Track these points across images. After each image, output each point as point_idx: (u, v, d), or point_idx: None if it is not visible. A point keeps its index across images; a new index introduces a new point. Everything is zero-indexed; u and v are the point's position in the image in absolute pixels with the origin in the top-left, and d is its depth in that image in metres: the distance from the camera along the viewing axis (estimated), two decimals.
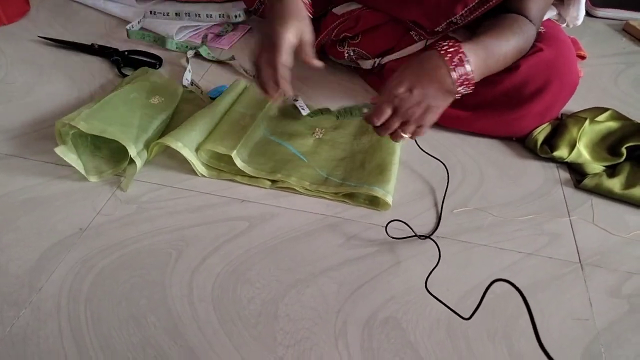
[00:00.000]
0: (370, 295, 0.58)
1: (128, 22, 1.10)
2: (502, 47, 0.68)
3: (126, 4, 1.14)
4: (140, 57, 0.97)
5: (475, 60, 0.64)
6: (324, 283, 0.60)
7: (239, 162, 0.71)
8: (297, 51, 0.67)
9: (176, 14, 1.10)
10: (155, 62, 0.97)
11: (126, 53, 0.97)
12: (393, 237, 0.65)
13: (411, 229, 0.66)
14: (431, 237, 0.65)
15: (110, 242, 0.62)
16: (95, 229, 0.64)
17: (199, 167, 0.72)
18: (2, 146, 0.76)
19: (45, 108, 0.84)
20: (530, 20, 0.73)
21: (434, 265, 0.61)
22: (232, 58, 0.98)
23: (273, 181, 0.72)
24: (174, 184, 0.71)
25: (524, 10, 0.73)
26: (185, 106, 0.85)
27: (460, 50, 0.63)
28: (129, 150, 0.69)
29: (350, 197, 0.71)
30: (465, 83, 0.64)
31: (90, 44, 1.00)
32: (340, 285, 0.59)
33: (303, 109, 0.82)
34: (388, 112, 0.64)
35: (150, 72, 0.89)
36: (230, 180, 0.72)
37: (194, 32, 1.09)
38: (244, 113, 0.79)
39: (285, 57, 0.64)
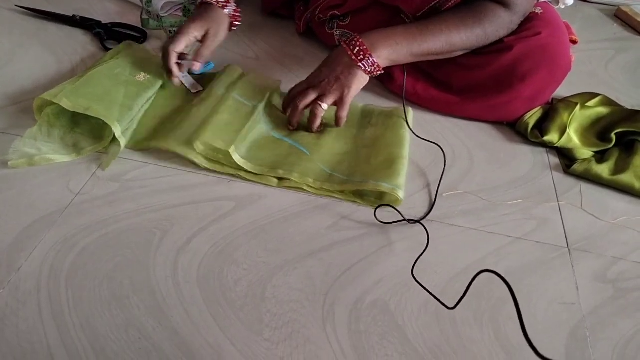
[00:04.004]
0: (358, 278, 0.58)
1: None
2: (437, 35, 0.73)
3: None
4: (125, 31, 0.94)
5: (384, 52, 0.71)
6: (312, 265, 0.59)
7: (237, 158, 0.67)
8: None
9: None
10: (140, 36, 0.93)
11: (109, 26, 0.94)
12: (382, 222, 0.64)
13: (400, 214, 0.65)
14: (421, 221, 0.65)
15: (92, 220, 0.61)
16: (77, 207, 0.62)
17: (201, 161, 0.68)
18: None
19: (24, 80, 0.80)
20: (508, 7, 0.73)
21: (423, 250, 0.61)
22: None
23: (280, 179, 0.68)
24: (159, 162, 0.69)
25: None
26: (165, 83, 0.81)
27: (364, 48, 0.70)
28: (114, 130, 0.66)
29: (360, 195, 0.67)
30: (374, 71, 0.71)
31: (71, 15, 0.95)
32: (329, 267, 0.59)
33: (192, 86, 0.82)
34: (303, 85, 0.73)
35: (134, 47, 0.86)
36: (233, 175, 0.68)
37: (177, 7, 1.05)
38: (243, 103, 0.75)
39: (177, 46, 0.74)
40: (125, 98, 0.72)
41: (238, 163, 0.67)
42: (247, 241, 0.61)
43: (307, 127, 0.74)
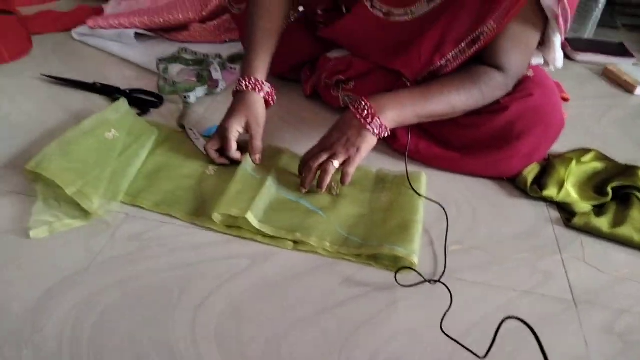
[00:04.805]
0: (373, 334, 0.59)
1: (130, 62, 1.13)
2: (439, 98, 0.78)
3: (127, 43, 1.18)
4: (142, 96, 1.00)
5: (390, 115, 0.76)
6: (326, 321, 0.60)
7: (254, 222, 0.69)
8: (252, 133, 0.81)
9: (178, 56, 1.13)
10: (157, 101, 0.99)
11: (128, 92, 1.00)
12: (402, 285, 0.65)
13: (421, 275, 0.66)
14: (441, 280, 0.66)
15: (112, 280, 0.63)
16: (98, 267, 0.64)
17: (219, 227, 0.71)
18: (5, 182, 0.76)
19: (45, 144, 0.84)
20: (502, 71, 0.78)
21: (449, 306, 0.62)
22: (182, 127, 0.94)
23: (295, 242, 0.70)
24: (176, 221, 0.72)
25: (495, 62, 0.78)
26: (180, 146, 0.87)
27: (372, 111, 0.75)
28: (65, 190, 0.69)
29: (375, 259, 0.69)
30: (382, 132, 0.76)
31: (92, 82, 1.02)
32: (343, 323, 0.60)
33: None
34: (315, 149, 0.78)
35: (115, 106, 0.89)
36: (251, 239, 0.70)
37: (191, 72, 1.12)
38: (253, 176, 0.78)
39: (232, 148, 0.80)
40: (91, 156, 0.76)
41: (256, 227, 0.69)
42: (263, 298, 0.62)
43: (317, 185, 0.77)
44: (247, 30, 0.87)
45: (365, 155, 0.76)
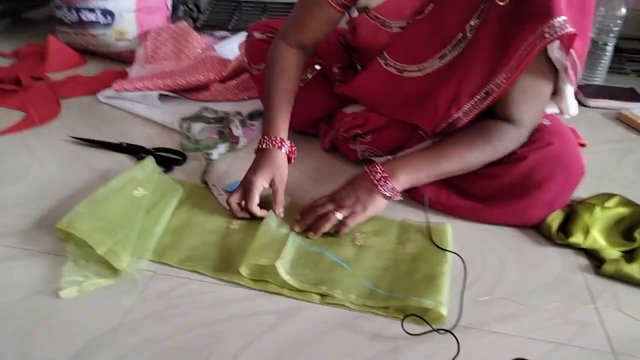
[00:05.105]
0: None
1: (154, 121, 1.18)
2: (451, 157, 0.82)
3: (152, 104, 1.23)
4: (167, 155, 1.03)
5: (402, 179, 0.80)
6: None
7: (282, 273, 0.69)
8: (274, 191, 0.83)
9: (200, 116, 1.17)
10: (181, 158, 1.02)
11: (153, 150, 1.03)
12: (410, 334, 0.64)
13: (428, 323, 0.65)
14: (451, 331, 0.64)
15: (142, 339, 0.63)
16: (127, 327, 0.64)
17: (246, 282, 0.71)
18: (36, 242, 0.78)
19: (73, 203, 0.86)
20: (515, 123, 0.80)
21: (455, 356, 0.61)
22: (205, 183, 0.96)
23: (322, 295, 0.70)
24: (203, 278, 0.73)
25: (507, 115, 0.80)
26: (203, 202, 0.89)
27: (384, 175, 0.79)
28: (96, 250, 0.70)
29: (402, 311, 0.67)
30: (393, 196, 0.80)
31: (118, 142, 1.05)
32: None
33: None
34: (324, 199, 0.81)
35: (142, 164, 0.91)
36: (277, 294, 0.70)
37: (214, 130, 1.15)
38: (276, 229, 0.79)
39: (253, 203, 0.82)
40: (118, 214, 0.78)
41: (284, 278, 0.69)
42: (292, 356, 0.62)
43: (313, 229, 0.78)
44: (266, 90, 0.91)
45: (371, 215, 0.80)
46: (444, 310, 0.65)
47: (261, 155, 0.85)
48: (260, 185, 0.82)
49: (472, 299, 0.71)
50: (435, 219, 0.86)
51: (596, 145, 1.16)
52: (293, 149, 0.88)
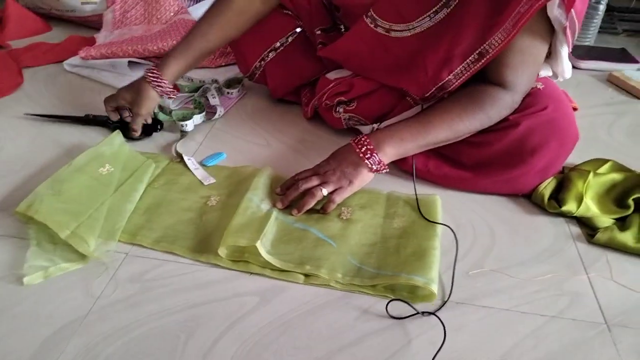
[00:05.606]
0: None
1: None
2: (440, 126, 0.77)
3: (121, 72, 1.15)
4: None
5: (389, 150, 0.76)
6: None
7: (263, 253, 0.65)
8: None
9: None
10: (157, 125, 0.96)
11: (124, 120, 0.96)
12: (395, 317, 0.61)
13: (412, 307, 0.61)
14: (435, 313, 0.61)
15: (113, 327, 0.59)
16: (97, 313, 0.60)
17: (225, 263, 0.67)
18: None
19: (37, 183, 0.80)
20: (508, 88, 0.75)
21: (440, 346, 0.57)
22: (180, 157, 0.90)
23: (306, 275, 0.66)
24: (179, 259, 0.68)
25: (500, 79, 0.75)
26: (178, 178, 0.83)
27: (370, 147, 0.75)
28: (59, 234, 0.65)
29: (392, 290, 0.64)
30: (380, 169, 0.76)
31: (84, 115, 0.98)
32: None
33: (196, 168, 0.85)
34: (308, 172, 0.78)
35: (109, 140, 0.85)
36: (259, 274, 0.66)
37: (188, 100, 1.09)
38: (258, 206, 0.74)
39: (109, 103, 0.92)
40: (83, 195, 0.73)
41: (265, 258, 0.65)
42: (275, 338, 0.58)
43: (297, 207, 0.74)
44: (199, 22, 0.90)
45: (357, 189, 0.76)
46: (434, 288, 0.62)
47: (138, 81, 0.89)
48: (122, 99, 0.90)
49: (462, 273, 0.68)
50: (423, 189, 0.83)
51: (587, 108, 1.13)
52: (167, 89, 0.88)
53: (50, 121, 0.99)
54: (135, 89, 0.88)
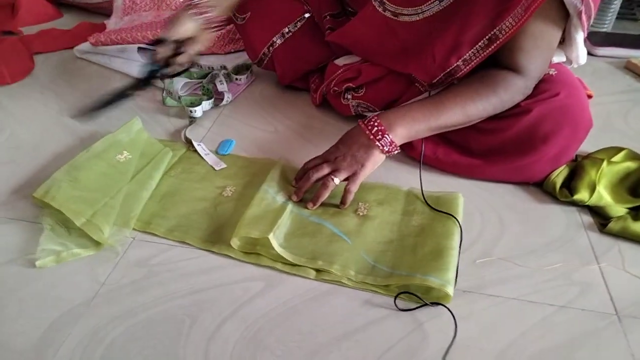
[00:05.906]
0: None
1: (133, 77, 1.10)
2: (452, 109, 0.74)
3: (130, 58, 1.15)
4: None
5: (400, 131, 0.72)
6: (348, 348, 0.56)
7: (276, 246, 0.64)
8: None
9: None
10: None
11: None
12: (400, 309, 0.60)
13: (420, 298, 0.60)
14: (444, 304, 0.60)
15: (120, 310, 0.59)
16: (104, 297, 0.61)
17: (237, 255, 0.66)
18: (7, 210, 0.73)
19: (53, 169, 0.81)
20: (521, 73, 0.73)
21: (452, 337, 0.57)
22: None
23: (318, 271, 0.64)
24: (185, 244, 0.69)
25: (513, 64, 0.73)
26: (194, 167, 0.83)
27: (381, 128, 0.72)
28: (74, 222, 0.65)
29: (405, 289, 0.62)
30: (391, 150, 0.72)
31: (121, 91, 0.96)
32: (366, 350, 0.56)
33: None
34: (317, 160, 0.75)
35: (127, 126, 0.85)
36: (270, 267, 0.65)
37: (196, 86, 1.08)
38: (273, 198, 0.73)
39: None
40: (100, 182, 0.73)
41: (277, 251, 0.64)
42: (280, 324, 0.58)
43: (312, 199, 0.73)
44: None
45: (370, 173, 0.73)
46: (450, 290, 0.59)
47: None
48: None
49: (470, 261, 0.67)
50: (431, 177, 0.82)
51: (603, 96, 1.10)
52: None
53: (64, 106, 1.00)
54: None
